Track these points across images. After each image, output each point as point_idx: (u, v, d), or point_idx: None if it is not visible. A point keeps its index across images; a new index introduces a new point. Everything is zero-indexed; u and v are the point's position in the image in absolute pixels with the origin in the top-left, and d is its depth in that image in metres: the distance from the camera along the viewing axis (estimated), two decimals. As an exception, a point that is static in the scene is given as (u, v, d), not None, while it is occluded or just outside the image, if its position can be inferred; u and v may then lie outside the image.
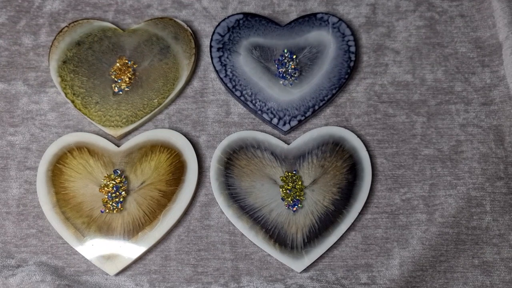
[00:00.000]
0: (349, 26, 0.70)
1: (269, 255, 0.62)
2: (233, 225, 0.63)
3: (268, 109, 0.66)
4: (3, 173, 0.65)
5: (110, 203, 0.62)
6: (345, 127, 0.66)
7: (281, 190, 0.63)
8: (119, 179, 0.63)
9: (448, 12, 0.71)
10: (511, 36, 0.67)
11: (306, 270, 0.62)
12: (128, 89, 0.67)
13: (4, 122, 0.67)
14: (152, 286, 0.61)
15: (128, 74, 0.67)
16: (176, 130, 0.66)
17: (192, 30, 0.70)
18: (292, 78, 0.67)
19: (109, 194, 0.62)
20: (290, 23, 0.70)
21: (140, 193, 0.63)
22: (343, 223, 0.62)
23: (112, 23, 0.71)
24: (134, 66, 0.68)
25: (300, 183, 0.63)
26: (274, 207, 0.63)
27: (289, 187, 0.63)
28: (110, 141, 0.66)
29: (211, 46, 0.69)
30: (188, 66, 0.68)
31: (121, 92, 0.67)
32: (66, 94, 0.67)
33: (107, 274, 0.62)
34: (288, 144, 0.66)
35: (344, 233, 0.62)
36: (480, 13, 0.71)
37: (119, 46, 0.69)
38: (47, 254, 0.62)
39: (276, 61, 0.68)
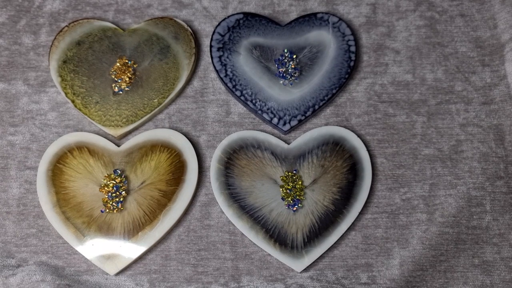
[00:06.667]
0: (349, 25, 0.69)
1: (269, 255, 0.62)
2: (233, 224, 0.63)
3: (268, 109, 0.66)
4: (3, 173, 0.65)
5: (110, 203, 0.62)
6: (345, 126, 0.66)
7: (281, 189, 0.63)
8: (119, 178, 0.63)
9: (448, 12, 0.71)
10: None
11: (306, 270, 0.62)
12: (128, 89, 0.67)
13: (4, 122, 0.67)
14: (152, 286, 0.61)
15: (128, 74, 0.67)
16: (176, 130, 0.66)
17: (192, 30, 0.70)
18: (292, 77, 0.67)
19: (109, 194, 0.62)
20: (290, 23, 0.70)
21: (140, 193, 0.63)
22: (343, 223, 0.62)
23: (112, 23, 0.71)
24: (134, 66, 0.68)
25: (300, 182, 0.63)
26: (274, 207, 0.63)
27: (289, 187, 0.63)
28: (110, 140, 0.66)
29: (211, 46, 0.69)
30: (188, 66, 0.68)
31: (121, 92, 0.67)
32: (66, 94, 0.67)
33: (107, 274, 0.62)
34: (288, 143, 0.66)
35: (344, 233, 0.62)
36: (480, 13, 0.71)
37: (119, 46, 0.69)
38: (47, 254, 0.62)
39: (276, 61, 0.68)
